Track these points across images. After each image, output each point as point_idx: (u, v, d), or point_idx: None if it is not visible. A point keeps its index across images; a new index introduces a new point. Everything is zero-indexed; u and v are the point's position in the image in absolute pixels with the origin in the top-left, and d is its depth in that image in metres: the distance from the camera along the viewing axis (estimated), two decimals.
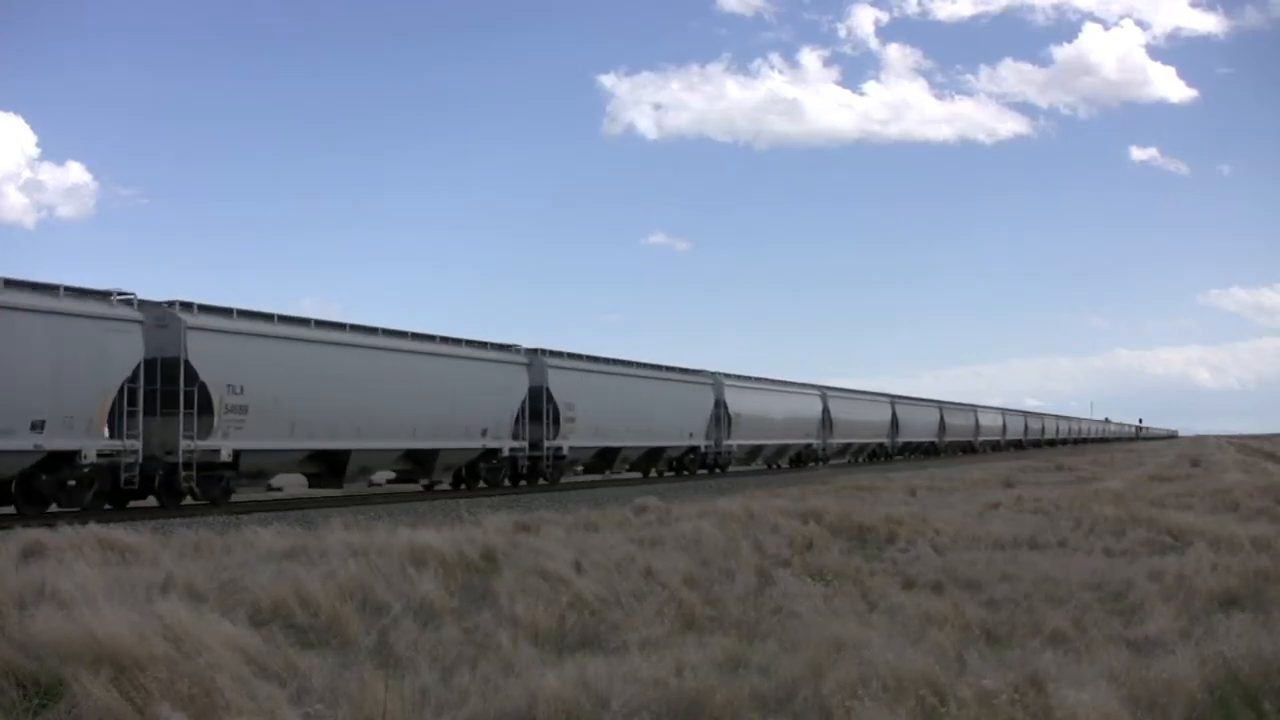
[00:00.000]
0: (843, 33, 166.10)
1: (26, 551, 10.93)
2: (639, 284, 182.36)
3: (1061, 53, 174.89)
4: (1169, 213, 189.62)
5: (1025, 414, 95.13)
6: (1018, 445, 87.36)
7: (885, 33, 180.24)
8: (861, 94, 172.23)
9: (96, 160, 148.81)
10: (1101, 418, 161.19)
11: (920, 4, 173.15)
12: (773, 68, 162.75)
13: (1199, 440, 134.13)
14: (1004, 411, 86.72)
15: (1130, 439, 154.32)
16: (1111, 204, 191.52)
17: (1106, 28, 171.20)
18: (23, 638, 6.32)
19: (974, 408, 79.53)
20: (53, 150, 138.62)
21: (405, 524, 13.81)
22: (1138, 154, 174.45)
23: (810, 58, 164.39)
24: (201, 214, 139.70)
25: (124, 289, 19.23)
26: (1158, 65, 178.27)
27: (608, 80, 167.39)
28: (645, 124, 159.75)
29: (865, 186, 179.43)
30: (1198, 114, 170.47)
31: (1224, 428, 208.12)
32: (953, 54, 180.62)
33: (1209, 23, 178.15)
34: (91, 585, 7.64)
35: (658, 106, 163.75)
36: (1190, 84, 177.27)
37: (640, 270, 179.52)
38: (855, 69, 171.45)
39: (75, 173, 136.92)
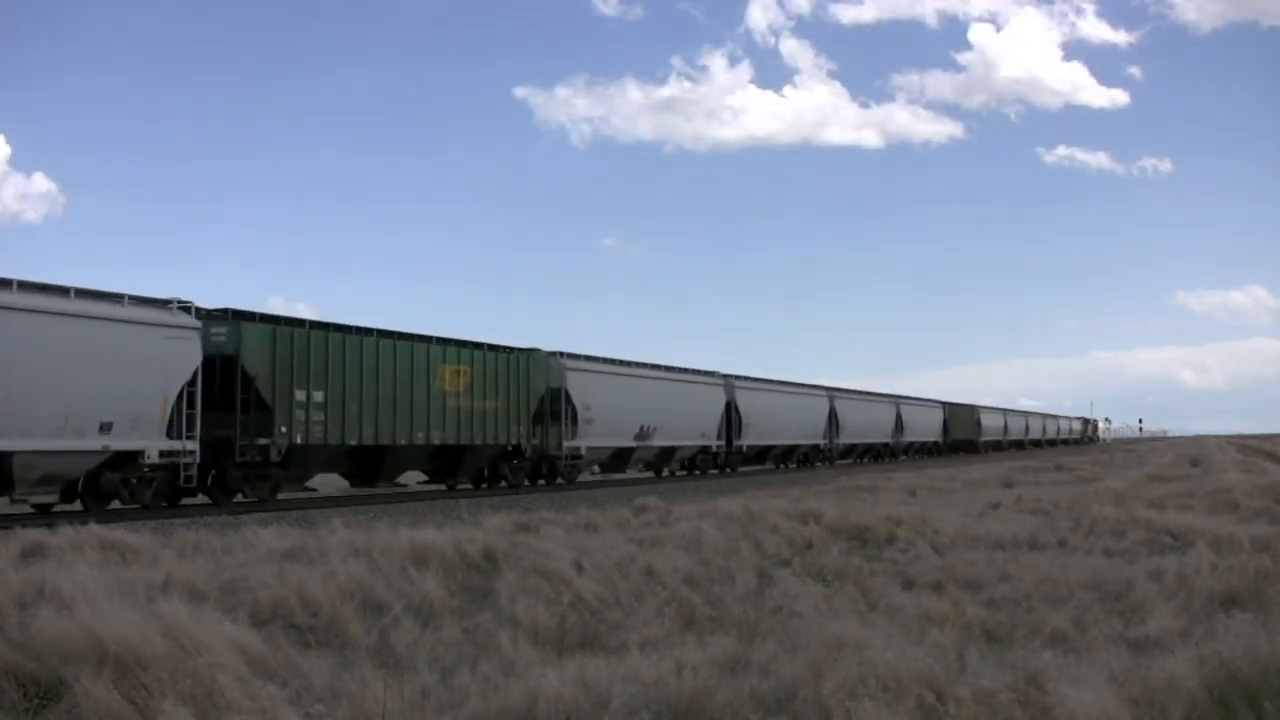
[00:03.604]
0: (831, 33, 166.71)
1: (26, 551, 10.94)
2: (602, 287, 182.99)
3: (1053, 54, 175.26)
4: (1151, 214, 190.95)
5: (898, 401, 63.73)
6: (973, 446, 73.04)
7: (871, 31, 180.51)
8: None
9: (61, 167, 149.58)
10: (1102, 418, 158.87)
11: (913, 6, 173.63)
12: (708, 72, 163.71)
13: (1199, 440, 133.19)
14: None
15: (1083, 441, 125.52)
16: (1099, 204, 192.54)
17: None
18: (23, 638, 6.32)
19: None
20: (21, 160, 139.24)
21: (405, 524, 13.80)
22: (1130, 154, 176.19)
23: (747, 65, 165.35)
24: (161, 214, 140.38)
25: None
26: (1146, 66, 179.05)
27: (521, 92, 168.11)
28: (578, 133, 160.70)
29: (851, 189, 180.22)
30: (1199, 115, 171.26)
31: (1221, 428, 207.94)
32: (941, 55, 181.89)
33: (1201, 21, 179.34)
34: (92, 585, 7.64)
35: (590, 118, 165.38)
36: (1184, 84, 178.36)
37: (599, 273, 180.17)
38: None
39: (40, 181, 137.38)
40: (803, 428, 47.69)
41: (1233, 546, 11.51)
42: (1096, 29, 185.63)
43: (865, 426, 55.47)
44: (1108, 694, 5.29)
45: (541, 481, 30.17)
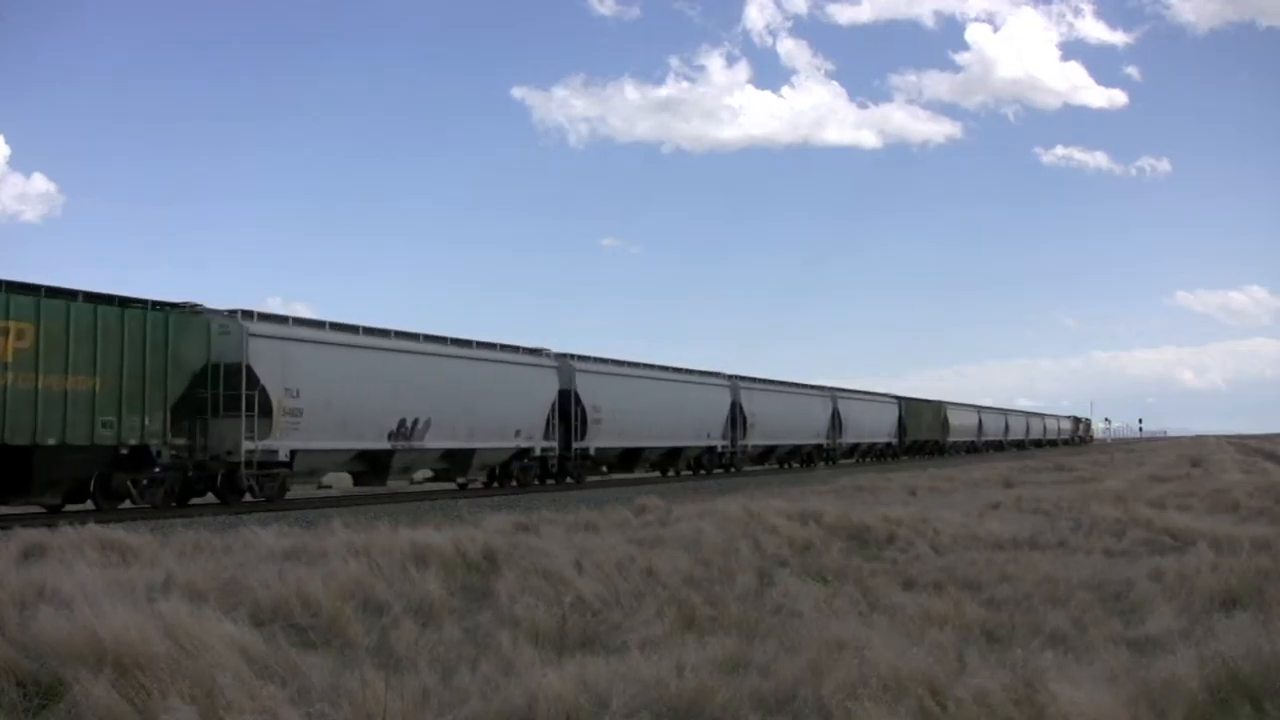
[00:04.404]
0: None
1: (27, 552, 10.94)
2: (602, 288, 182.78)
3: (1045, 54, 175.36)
4: (1150, 214, 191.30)
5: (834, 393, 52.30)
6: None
7: (868, 31, 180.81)
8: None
9: (60, 168, 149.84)
10: (1103, 418, 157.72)
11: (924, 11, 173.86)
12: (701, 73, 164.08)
13: (1199, 440, 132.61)
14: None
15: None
16: (1098, 204, 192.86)
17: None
18: (23, 638, 6.32)
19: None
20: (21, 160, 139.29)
21: (405, 524, 13.80)
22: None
23: (744, 66, 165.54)
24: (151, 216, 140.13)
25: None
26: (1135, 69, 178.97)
27: (519, 92, 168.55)
28: (576, 133, 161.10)
29: (846, 190, 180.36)
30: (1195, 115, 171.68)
31: (1221, 428, 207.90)
32: (938, 55, 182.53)
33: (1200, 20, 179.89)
34: (92, 585, 7.63)
35: (588, 118, 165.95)
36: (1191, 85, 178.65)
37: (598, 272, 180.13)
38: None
39: (39, 182, 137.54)
40: (692, 426, 37.65)
41: (1233, 546, 11.50)
42: (1094, 29, 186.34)
43: (787, 425, 45.60)
44: (1107, 694, 5.29)
45: (240, 500, 21.04)
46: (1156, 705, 5.39)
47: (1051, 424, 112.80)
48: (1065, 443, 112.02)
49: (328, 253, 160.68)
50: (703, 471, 39.10)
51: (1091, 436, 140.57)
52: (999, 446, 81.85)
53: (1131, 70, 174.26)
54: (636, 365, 35.69)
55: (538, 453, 29.39)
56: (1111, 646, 6.80)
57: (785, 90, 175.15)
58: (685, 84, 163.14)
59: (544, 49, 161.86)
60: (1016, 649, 6.60)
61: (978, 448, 75.74)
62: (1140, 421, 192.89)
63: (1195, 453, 56.00)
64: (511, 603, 8.37)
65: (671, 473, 38.08)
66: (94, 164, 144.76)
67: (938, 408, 68.76)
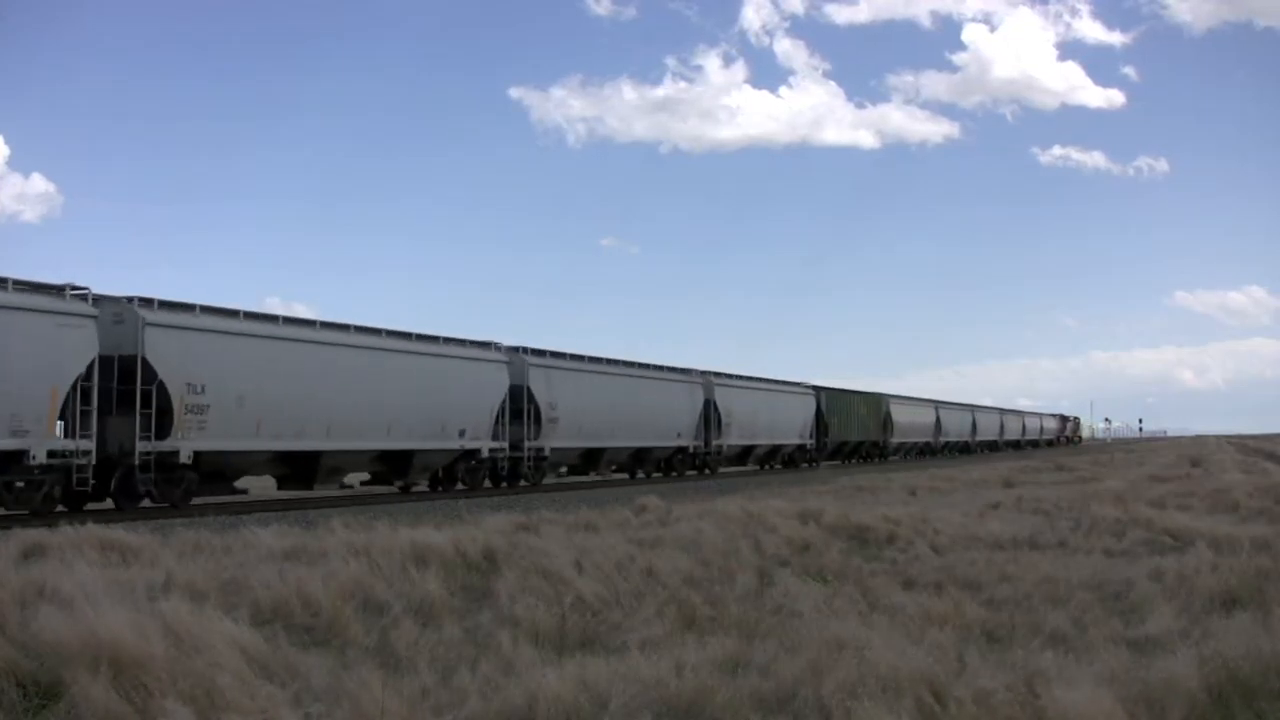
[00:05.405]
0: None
1: (27, 552, 10.92)
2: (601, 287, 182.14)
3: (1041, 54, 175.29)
4: (1148, 214, 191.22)
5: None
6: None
7: (866, 32, 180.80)
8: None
9: (59, 168, 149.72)
10: (1103, 417, 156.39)
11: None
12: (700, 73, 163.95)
13: (1199, 440, 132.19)
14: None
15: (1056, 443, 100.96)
16: (1096, 204, 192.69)
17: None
18: (23, 638, 6.32)
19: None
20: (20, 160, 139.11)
21: (405, 524, 13.79)
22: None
23: (742, 67, 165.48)
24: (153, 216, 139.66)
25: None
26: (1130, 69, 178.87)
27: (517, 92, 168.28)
28: (575, 133, 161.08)
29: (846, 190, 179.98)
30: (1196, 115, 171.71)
31: (1221, 428, 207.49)
32: (936, 55, 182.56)
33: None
34: (92, 585, 7.63)
35: (586, 118, 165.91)
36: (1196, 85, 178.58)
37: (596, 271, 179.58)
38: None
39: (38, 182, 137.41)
40: (434, 421, 26.07)
41: (1232, 546, 11.49)
42: (1091, 29, 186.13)
43: (615, 422, 32.73)
44: (1108, 694, 5.29)
45: None
46: (1156, 705, 5.39)
47: (1033, 423, 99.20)
48: (1050, 444, 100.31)
49: (328, 253, 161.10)
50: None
51: (1080, 437, 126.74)
52: (965, 449, 70.18)
53: (1129, 70, 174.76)
54: (310, 326, 24.45)
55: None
56: (1111, 646, 6.80)
57: (783, 90, 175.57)
58: (683, 84, 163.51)
59: (542, 49, 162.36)
60: (1016, 649, 6.60)
61: (935, 450, 63.53)
62: (1140, 421, 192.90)
63: (1195, 453, 55.91)
64: (511, 603, 8.37)
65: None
66: (94, 164, 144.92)
67: (877, 402, 56.10)
